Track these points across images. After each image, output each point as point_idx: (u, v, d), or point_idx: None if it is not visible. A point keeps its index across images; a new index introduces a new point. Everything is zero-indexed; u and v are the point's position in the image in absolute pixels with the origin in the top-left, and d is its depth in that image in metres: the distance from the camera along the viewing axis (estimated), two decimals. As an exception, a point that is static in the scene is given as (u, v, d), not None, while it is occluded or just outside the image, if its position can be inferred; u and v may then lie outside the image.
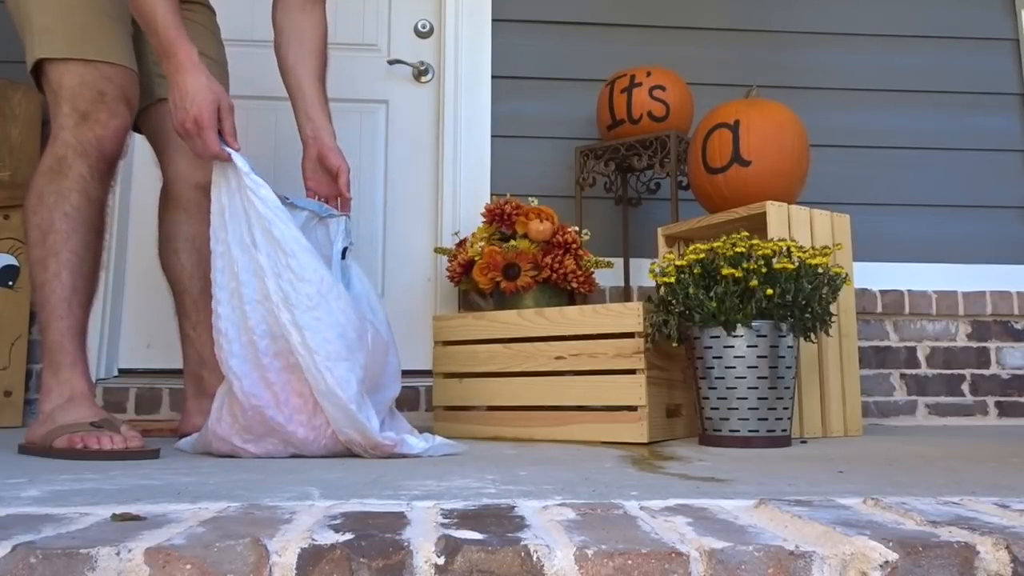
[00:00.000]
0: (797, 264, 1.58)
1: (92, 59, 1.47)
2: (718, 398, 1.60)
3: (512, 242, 1.95)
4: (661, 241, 2.12)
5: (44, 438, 1.35)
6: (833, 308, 1.84)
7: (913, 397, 2.49)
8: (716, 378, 1.60)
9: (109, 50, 1.48)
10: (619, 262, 2.42)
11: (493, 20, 2.55)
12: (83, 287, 1.45)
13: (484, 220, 2.02)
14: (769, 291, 1.55)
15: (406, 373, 2.28)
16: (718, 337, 1.60)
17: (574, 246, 1.95)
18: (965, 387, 2.51)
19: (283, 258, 1.35)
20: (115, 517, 0.72)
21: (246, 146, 1.72)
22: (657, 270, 1.70)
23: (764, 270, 1.57)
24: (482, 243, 1.98)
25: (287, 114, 2.52)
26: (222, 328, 1.37)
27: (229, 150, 1.40)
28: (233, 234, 1.38)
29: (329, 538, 0.62)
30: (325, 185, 1.66)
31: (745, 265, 1.57)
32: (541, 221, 1.94)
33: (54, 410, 1.39)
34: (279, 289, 1.34)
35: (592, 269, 1.97)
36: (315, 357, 1.32)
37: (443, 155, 2.50)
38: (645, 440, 1.66)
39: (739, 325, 1.57)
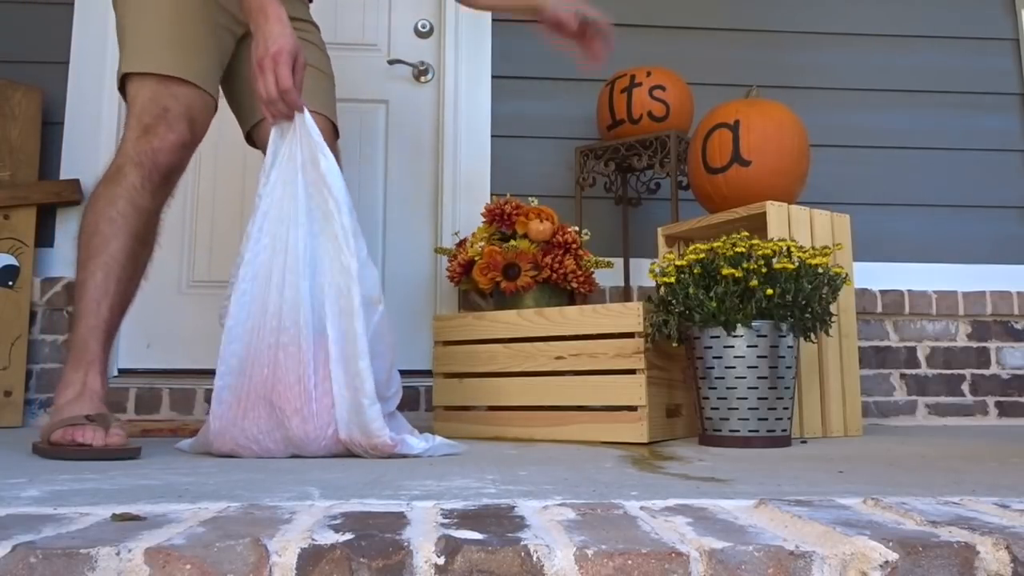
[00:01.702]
0: (797, 264, 1.58)
1: (165, 74, 1.54)
2: (718, 398, 1.60)
3: (512, 242, 1.95)
4: (661, 241, 2.12)
5: (46, 431, 1.39)
6: (833, 308, 1.84)
7: (913, 397, 2.49)
8: (716, 378, 1.60)
9: (184, 69, 1.54)
10: (619, 262, 2.42)
11: (493, 20, 2.55)
12: (116, 290, 1.49)
13: (484, 220, 2.02)
14: (769, 291, 1.55)
15: (406, 373, 2.29)
16: (718, 337, 1.60)
17: (574, 246, 1.95)
18: (965, 387, 2.51)
19: (347, 245, 1.39)
20: (115, 517, 0.72)
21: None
22: (657, 270, 1.70)
23: (764, 270, 1.57)
24: (482, 243, 1.98)
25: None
26: (239, 305, 1.38)
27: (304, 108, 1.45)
28: (294, 210, 1.40)
29: (329, 538, 0.62)
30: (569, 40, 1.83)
31: (745, 265, 1.57)
32: (541, 221, 1.94)
33: (63, 404, 1.42)
34: (343, 277, 1.38)
35: (592, 269, 1.97)
36: (358, 350, 1.35)
37: (443, 155, 2.50)
38: (645, 440, 1.66)
39: (739, 325, 1.57)
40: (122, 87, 1.60)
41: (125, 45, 1.59)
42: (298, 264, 1.38)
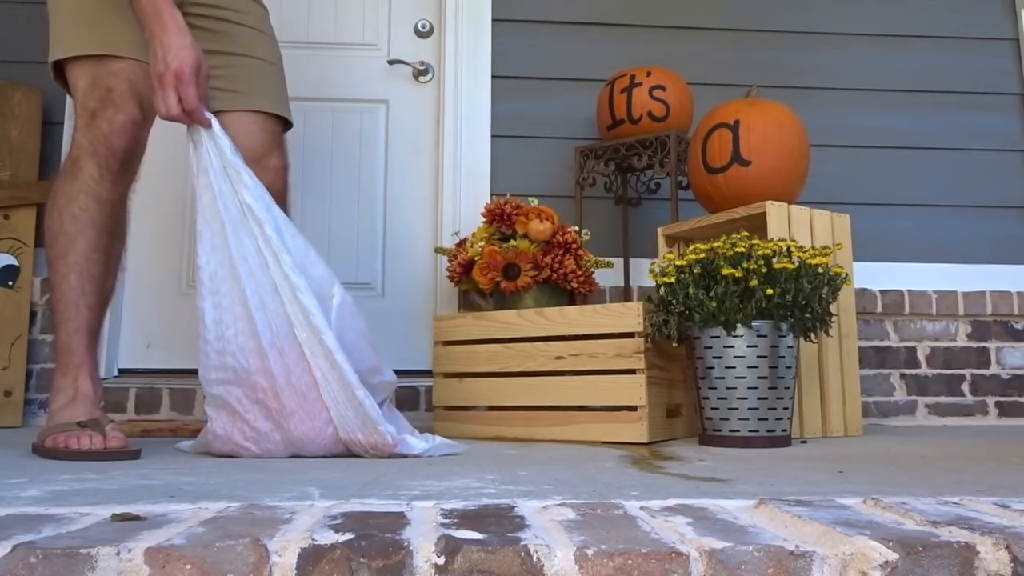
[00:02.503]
0: (797, 264, 1.58)
1: (99, 54, 1.46)
2: (718, 398, 1.60)
3: (512, 242, 1.95)
4: (661, 241, 2.12)
5: (40, 436, 1.38)
6: (833, 308, 1.84)
7: (913, 397, 2.49)
8: (716, 378, 1.60)
9: (117, 44, 1.47)
10: (619, 262, 2.42)
11: (493, 20, 2.55)
12: (92, 288, 1.45)
13: (484, 220, 2.02)
14: (769, 291, 1.55)
15: (406, 373, 2.29)
16: (718, 337, 1.60)
17: (574, 246, 1.95)
18: (965, 387, 2.51)
19: (280, 251, 1.37)
20: (115, 517, 0.72)
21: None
22: (657, 270, 1.70)
23: (764, 270, 1.57)
24: (482, 243, 1.98)
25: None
26: (209, 319, 1.37)
27: (211, 118, 1.40)
28: (229, 220, 1.38)
29: (329, 538, 0.62)
30: None
31: (745, 265, 1.57)
32: (541, 221, 1.94)
33: (57, 410, 1.42)
34: (286, 282, 1.36)
35: (592, 269, 1.97)
36: (331, 352, 1.34)
37: (443, 155, 2.50)
38: (645, 440, 1.66)
39: (739, 325, 1.57)
40: (59, 75, 1.52)
41: (54, 28, 1.51)
42: (253, 269, 1.37)
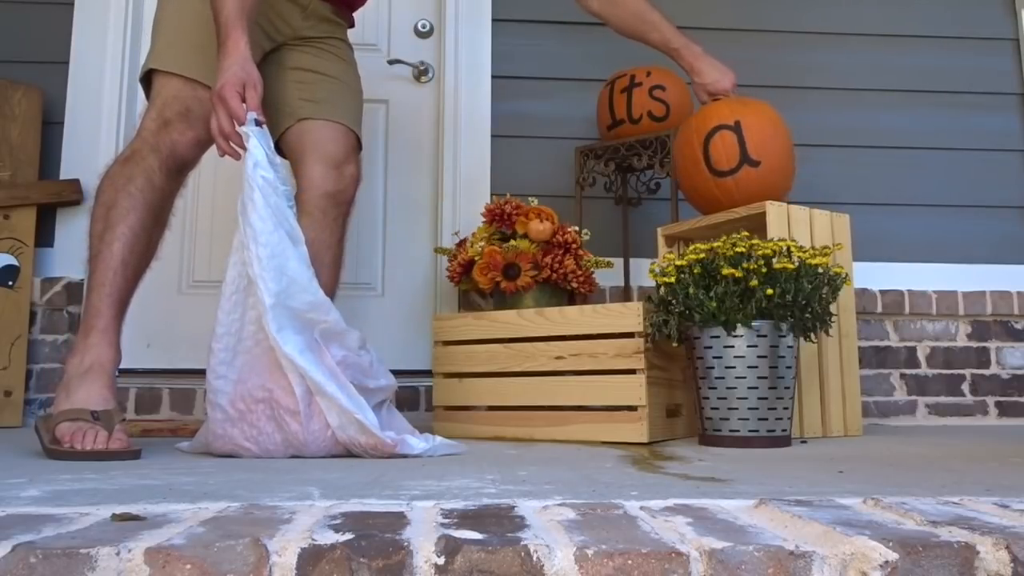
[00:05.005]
0: (797, 264, 1.58)
1: (192, 78, 1.58)
2: (718, 398, 1.60)
3: (512, 242, 1.95)
4: (661, 241, 2.12)
5: (56, 418, 1.38)
6: (833, 308, 1.84)
7: (913, 397, 2.49)
8: (716, 378, 1.60)
9: (211, 75, 1.56)
10: (619, 262, 2.42)
11: (493, 20, 2.55)
12: (132, 262, 1.51)
13: (484, 220, 2.02)
14: (769, 291, 1.55)
15: (406, 373, 2.29)
16: (718, 337, 1.60)
17: (574, 246, 1.95)
18: (965, 387, 2.51)
19: (262, 255, 1.39)
20: (115, 517, 0.72)
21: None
22: (657, 270, 1.70)
23: (764, 270, 1.57)
24: (482, 243, 1.98)
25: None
26: (219, 323, 1.39)
27: (250, 131, 1.43)
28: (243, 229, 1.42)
29: (329, 538, 0.62)
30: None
31: (745, 265, 1.57)
32: (541, 221, 1.94)
33: (71, 380, 1.43)
34: (265, 287, 1.36)
35: (592, 269, 1.97)
36: (304, 372, 1.34)
37: (443, 155, 2.50)
38: (645, 440, 1.66)
39: (739, 325, 1.57)
40: (146, 78, 1.63)
41: (158, 40, 1.63)
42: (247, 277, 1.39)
